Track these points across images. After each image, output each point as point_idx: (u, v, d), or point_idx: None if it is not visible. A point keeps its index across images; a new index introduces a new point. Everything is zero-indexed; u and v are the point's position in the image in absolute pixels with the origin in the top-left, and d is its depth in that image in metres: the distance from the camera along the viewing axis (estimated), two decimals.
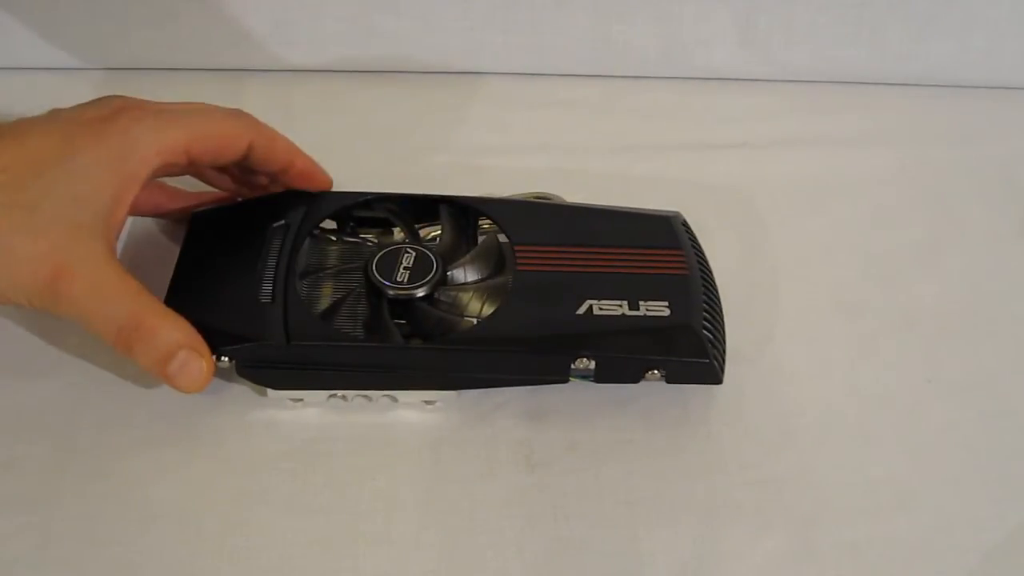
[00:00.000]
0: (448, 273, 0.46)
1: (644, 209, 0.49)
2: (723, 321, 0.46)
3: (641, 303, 0.44)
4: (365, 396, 0.45)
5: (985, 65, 0.61)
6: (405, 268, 0.45)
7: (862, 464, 0.45)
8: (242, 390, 0.45)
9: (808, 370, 0.48)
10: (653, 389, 0.46)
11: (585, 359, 0.43)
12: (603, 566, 0.41)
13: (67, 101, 0.58)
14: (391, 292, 0.44)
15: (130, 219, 0.52)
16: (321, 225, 0.48)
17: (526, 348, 0.44)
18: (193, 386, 0.42)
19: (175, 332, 0.42)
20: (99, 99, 0.44)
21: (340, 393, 0.45)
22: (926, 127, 0.60)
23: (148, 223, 0.52)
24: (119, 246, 0.51)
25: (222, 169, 0.48)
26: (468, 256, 0.47)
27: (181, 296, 0.44)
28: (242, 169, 0.48)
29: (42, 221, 0.40)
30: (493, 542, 0.42)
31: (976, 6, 0.59)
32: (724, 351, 0.45)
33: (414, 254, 0.46)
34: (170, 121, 0.43)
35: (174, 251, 0.47)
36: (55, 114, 0.43)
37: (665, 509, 0.43)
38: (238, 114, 0.46)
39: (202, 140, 0.44)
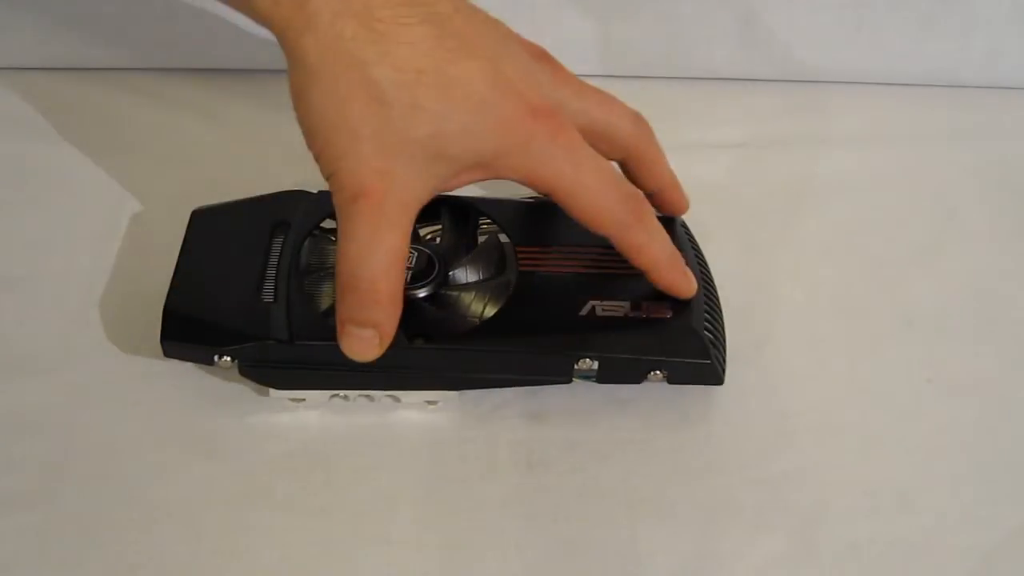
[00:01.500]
0: (450, 273, 0.46)
1: None
2: (723, 322, 0.46)
3: (643, 304, 0.45)
4: (367, 396, 0.45)
5: (985, 65, 0.61)
6: (408, 268, 0.45)
7: (862, 464, 0.45)
8: (244, 390, 0.45)
9: (808, 370, 0.48)
10: (653, 389, 0.46)
11: (588, 360, 0.43)
12: (603, 566, 0.41)
13: (67, 101, 0.59)
14: None
15: (129, 216, 0.52)
16: (322, 224, 0.48)
17: (529, 349, 0.44)
18: (350, 352, 0.41)
19: (383, 316, 0.40)
20: (541, 66, 0.43)
21: (342, 393, 0.45)
22: (926, 127, 0.60)
23: (148, 221, 0.52)
24: (120, 234, 0.51)
25: None
26: (469, 256, 0.47)
27: (182, 294, 0.44)
28: None
29: (399, 145, 0.39)
30: (493, 542, 0.42)
31: (976, 6, 0.59)
32: (725, 352, 0.45)
33: (415, 254, 0.46)
34: (562, 165, 0.41)
35: (174, 249, 0.47)
36: (501, 49, 0.41)
37: (665, 509, 0.43)
38: (628, 209, 0.43)
39: (570, 201, 0.42)
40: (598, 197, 0.42)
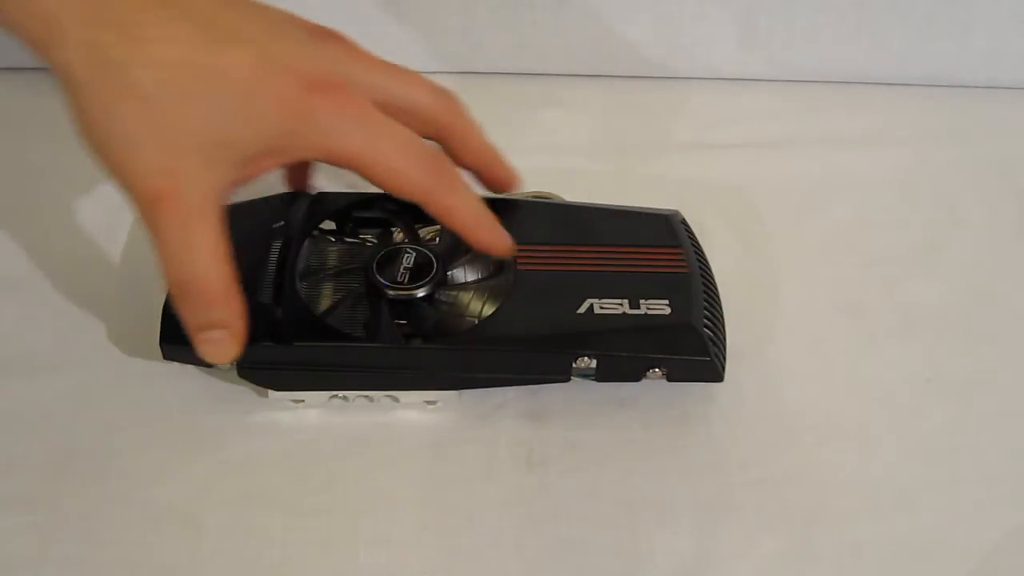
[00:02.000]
0: (448, 273, 0.46)
1: (643, 208, 0.50)
2: (723, 319, 0.46)
3: (642, 302, 0.44)
4: (366, 397, 0.45)
5: (985, 65, 0.61)
6: (405, 268, 0.45)
7: (862, 464, 0.45)
8: (243, 391, 0.45)
9: (808, 370, 0.48)
10: (653, 389, 0.46)
11: (587, 358, 0.43)
12: (603, 566, 0.41)
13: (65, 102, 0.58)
14: (391, 293, 0.45)
15: (127, 223, 0.52)
16: (320, 226, 0.48)
17: (528, 347, 0.44)
18: (211, 359, 0.41)
19: (226, 313, 0.40)
20: (325, 46, 0.42)
21: (341, 394, 0.45)
22: (926, 127, 0.60)
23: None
24: (120, 234, 0.51)
25: None
26: (468, 256, 0.47)
27: None
28: None
29: (180, 139, 0.38)
30: (493, 542, 0.42)
31: (976, 6, 0.59)
32: (725, 349, 0.45)
33: (414, 254, 0.46)
34: (357, 133, 0.40)
35: None
36: (273, 33, 0.40)
37: (665, 509, 0.43)
38: (432, 172, 0.42)
39: (374, 170, 0.41)
40: (397, 163, 0.41)
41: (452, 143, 0.45)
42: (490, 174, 0.47)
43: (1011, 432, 0.46)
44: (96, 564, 0.40)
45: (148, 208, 0.38)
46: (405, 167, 0.41)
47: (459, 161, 0.46)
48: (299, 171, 0.49)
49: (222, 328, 0.41)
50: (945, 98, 0.62)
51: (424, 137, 0.44)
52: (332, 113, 0.40)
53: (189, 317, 0.40)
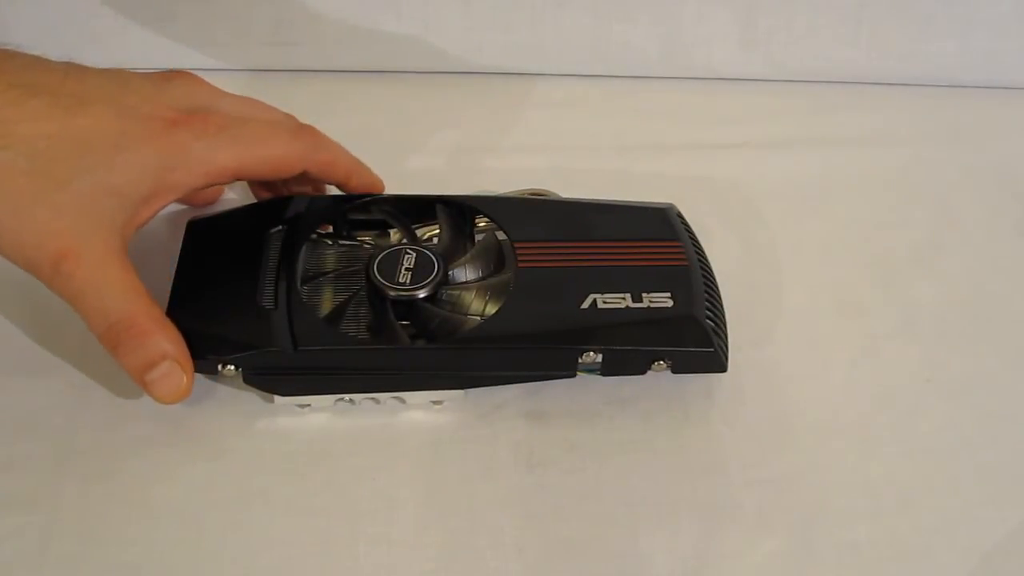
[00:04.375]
0: (449, 273, 0.46)
1: (639, 202, 0.50)
2: (723, 309, 0.46)
3: (644, 295, 0.45)
4: (372, 399, 0.45)
5: (985, 65, 0.61)
6: (406, 269, 0.45)
7: (862, 464, 0.45)
8: (248, 396, 0.45)
9: (808, 370, 0.48)
10: (653, 389, 0.46)
11: (591, 353, 0.44)
12: (603, 566, 0.41)
13: None
14: (393, 294, 0.44)
15: None
16: (319, 229, 0.48)
17: (533, 344, 0.44)
18: (168, 398, 0.42)
19: (164, 342, 0.41)
20: (171, 85, 0.44)
21: (347, 397, 0.45)
22: (926, 127, 0.60)
23: (147, 228, 0.52)
24: None
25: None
26: (468, 255, 0.47)
27: (183, 305, 0.44)
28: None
29: (67, 199, 0.40)
30: (493, 542, 0.42)
31: (976, 6, 0.59)
32: (727, 339, 0.45)
33: (414, 255, 0.46)
34: (228, 144, 0.43)
35: (173, 249, 0.47)
36: (120, 89, 0.43)
37: (665, 509, 0.43)
38: (300, 136, 0.46)
39: (255, 165, 0.44)
40: (274, 148, 0.44)
41: (320, 172, 0.47)
42: (360, 184, 0.49)
43: (1011, 432, 0.46)
44: (96, 564, 0.40)
45: (53, 271, 0.40)
46: (283, 148, 0.45)
47: (327, 180, 0.48)
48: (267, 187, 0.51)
49: (164, 360, 0.41)
50: (945, 98, 0.62)
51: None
52: (199, 138, 0.42)
53: (128, 362, 0.41)
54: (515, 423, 0.45)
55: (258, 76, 0.60)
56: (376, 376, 0.44)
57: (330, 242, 0.49)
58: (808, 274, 0.52)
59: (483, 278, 0.47)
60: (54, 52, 0.60)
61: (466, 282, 0.47)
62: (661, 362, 0.44)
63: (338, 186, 0.49)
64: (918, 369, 0.48)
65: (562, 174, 0.54)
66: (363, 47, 0.60)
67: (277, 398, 0.45)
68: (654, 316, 0.44)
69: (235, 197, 0.53)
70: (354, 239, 0.49)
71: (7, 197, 0.39)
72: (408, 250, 0.46)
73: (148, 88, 0.44)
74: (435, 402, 0.45)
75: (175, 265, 0.46)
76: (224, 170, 0.43)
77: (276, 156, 0.45)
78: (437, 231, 0.49)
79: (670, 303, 0.45)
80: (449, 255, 0.47)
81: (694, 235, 0.49)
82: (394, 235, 0.49)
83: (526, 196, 0.51)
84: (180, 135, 0.42)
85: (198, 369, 0.44)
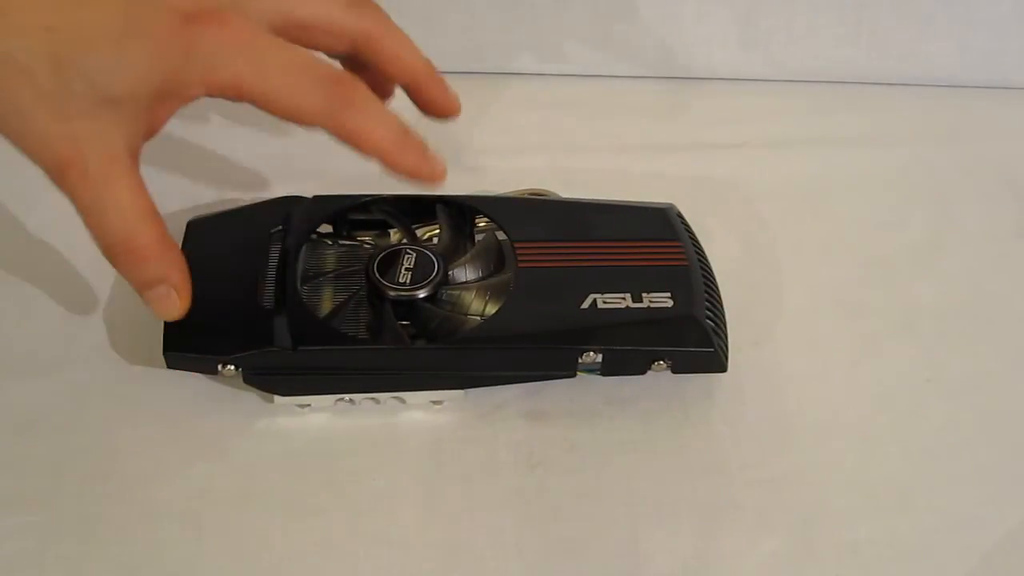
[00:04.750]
0: (449, 273, 0.46)
1: (638, 202, 0.50)
2: (723, 310, 0.46)
3: (644, 295, 0.45)
4: (372, 399, 0.45)
5: (985, 65, 0.61)
6: (406, 269, 0.45)
7: (862, 464, 0.45)
8: (248, 396, 0.45)
9: (808, 370, 0.48)
10: (653, 389, 0.46)
11: (592, 353, 0.44)
12: (603, 566, 0.41)
13: None
14: (393, 294, 0.45)
15: None
16: (318, 229, 0.48)
17: (533, 344, 0.44)
18: (163, 315, 0.41)
19: (161, 266, 0.39)
20: None
21: (347, 397, 0.45)
22: (926, 127, 0.60)
23: None
24: None
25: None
26: (468, 255, 0.47)
27: None
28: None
29: (71, 103, 0.36)
30: (493, 542, 0.42)
31: (976, 6, 0.59)
32: (727, 339, 0.45)
33: (414, 255, 0.46)
34: (238, 60, 0.37)
35: None
36: None
37: (665, 509, 0.43)
38: (330, 94, 0.39)
39: (261, 98, 0.38)
40: (292, 88, 0.38)
41: (375, 56, 0.42)
42: (424, 92, 0.43)
43: (1011, 432, 0.46)
44: (96, 564, 0.40)
45: (58, 177, 0.37)
46: (301, 93, 0.38)
47: (388, 76, 0.42)
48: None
49: (164, 282, 0.40)
50: (945, 98, 0.62)
51: (344, 55, 0.41)
52: (214, 43, 0.37)
53: (128, 276, 0.40)
54: (515, 423, 0.45)
55: None
56: (376, 376, 0.44)
57: (330, 242, 0.49)
58: (808, 274, 0.52)
59: (483, 278, 0.47)
60: None
61: (466, 282, 0.47)
62: (661, 362, 0.44)
63: (407, 92, 0.42)
64: (918, 369, 0.48)
65: (562, 174, 0.54)
66: None
67: (277, 398, 0.45)
68: (654, 316, 0.44)
69: (235, 197, 0.53)
70: (354, 239, 0.49)
71: (9, 94, 0.36)
72: (408, 250, 0.46)
73: None
74: (435, 402, 0.45)
75: None
76: (232, 87, 0.38)
77: (293, 101, 0.38)
78: (437, 231, 0.49)
79: (670, 303, 0.45)
80: (449, 255, 0.47)
81: (694, 235, 0.49)
82: (394, 235, 0.49)
83: (526, 196, 0.51)
84: (190, 33, 0.37)
85: (198, 369, 0.44)
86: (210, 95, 0.38)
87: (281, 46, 0.38)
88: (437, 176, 0.41)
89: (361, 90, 0.39)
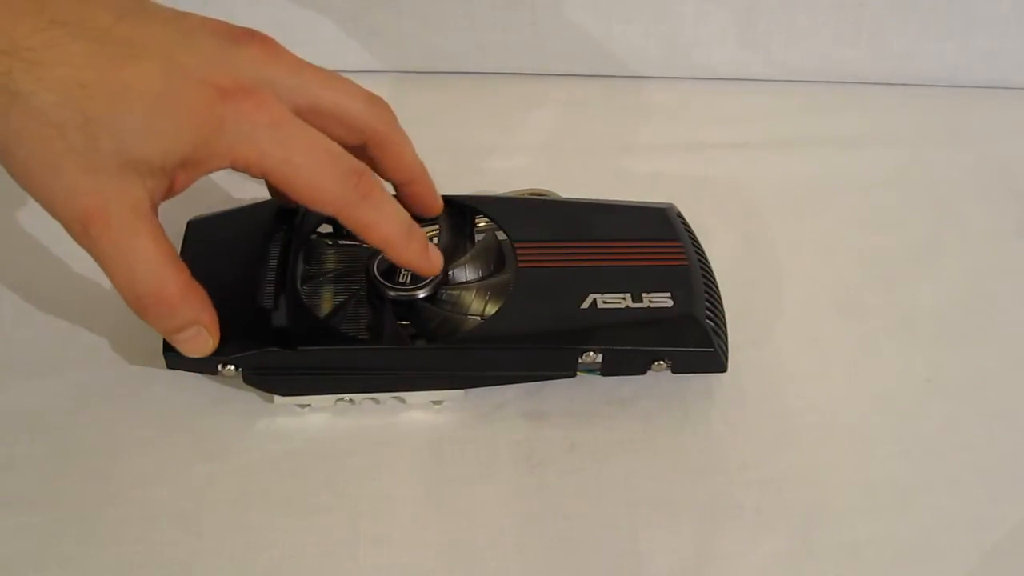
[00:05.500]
0: (449, 273, 0.46)
1: (638, 202, 0.50)
2: (723, 310, 0.46)
3: (644, 295, 0.45)
4: (372, 399, 0.45)
5: (985, 65, 0.61)
6: (406, 269, 0.45)
7: (862, 464, 0.45)
8: (248, 396, 0.45)
9: (808, 370, 0.48)
10: (653, 389, 0.46)
11: (592, 353, 0.44)
12: (603, 566, 0.41)
13: None
14: (393, 294, 0.45)
15: None
16: (318, 229, 0.48)
17: (533, 344, 0.44)
18: (194, 353, 0.42)
19: (190, 311, 0.40)
20: (239, 49, 0.39)
21: (347, 397, 0.45)
22: (926, 127, 0.60)
23: None
24: None
25: None
26: (468, 255, 0.47)
27: None
28: None
29: (99, 157, 0.37)
30: (493, 542, 0.42)
31: (976, 6, 0.59)
32: (727, 339, 0.45)
33: None
34: (266, 143, 0.38)
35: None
36: (180, 42, 0.38)
37: (665, 509, 0.43)
38: (353, 186, 0.40)
39: (283, 184, 0.39)
40: (312, 174, 0.39)
41: (380, 154, 0.44)
42: (414, 192, 0.45)
43: (1011, 432, 0.46)
44: (96, 564, 0.40)
45: (80, 231, 0.38)
46: (322, 181, 0.39)
47: (385, 174, 0.44)
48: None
49: (192, 327, 0.41)
50: (945, 98, 0.62)
51: (350, 147, 0.42)
52: (243, 121, 0.38)
53: (157, 327, 0.40)
54: (515, 423, 0.45)
55: None
56: (376, 376, 0.44)
57: (330, 242, 0.49)
58: (808, 274, 0.52)
59: (483, 278, 0.47)
60: None
61: (466, 282, 0.47)
62: (661, 362, 0.44)
63: (395, 186, 0.45)
64: (918, 369, 0.48)
65: (562, 174, 0.54)
66: (363, 47, 0.60)
67: (277, 398, 0.45)
68: (654, 316, 0.44)
69: (235, 197, 0.53)
70: (354, 239, 0.49)
71: (38, 146, 0.36)
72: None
73: (211, 48, 0.39)
74: (435, 402, 0.45)
75: None
76: (255, 166, 0.39)
77: (313, 187, 0.39)
78: (437, 231, 0.49)
79: (670, 303, 0.45)
80: (449, 255, 0.47)
81: (694, 235, 0.49)
82: None
83: (526, 196, 0.51)
84: (224, 108, 0.38)
85: (198, 369, 0.44)
86: (233, 168, 0.39)
87: (307, 131, 0.39)
88: (434, 270, 0.44)
89: (378, 185, 0.41)
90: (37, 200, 0.38)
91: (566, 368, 0.44)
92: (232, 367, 0.43)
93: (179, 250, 0.47)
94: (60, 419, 0.44)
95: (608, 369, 0.44)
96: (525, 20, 0.60)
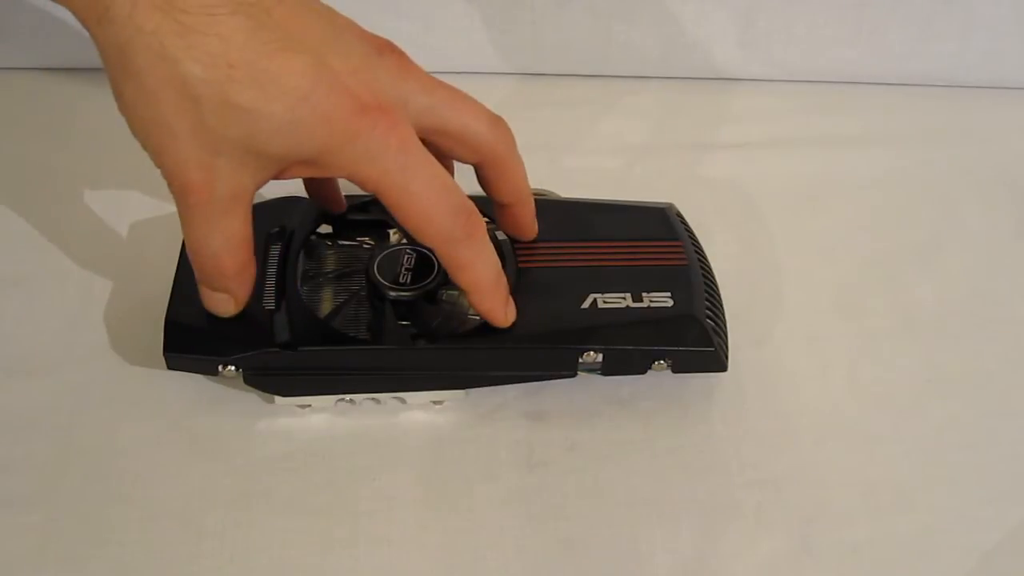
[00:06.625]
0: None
1: (638, 202, 0.50)
2: (723, 309, 0.46)
3: (644, 295, 0.45)
4: (373, 399, 0.45)
5: (985, 65, 0.61)
6: (407, 269, 0.45)
7: (862, 464, 0.45)
8: (248, 396, 0.45)
9: (808, 370, 0.48)
10: (653, 389, 0.46)
11: (592, 352, 0.44)
12: (603, 566, 0.41)
13: (67, 101, 0.58)
14: (393, 294, 0.45)
15: (128, 223, 0.52)
16: (317, 230, 0.48)
17: (534, 344, 0.44)
18: (208, 307, 0.43)
19: (231, 284, 0.42)
20: (383, 60, 0.40)
21: (348, 397, 0.45)
22: (926, 127, 0.60)
23: (149, 221, 0.52)
24: (121, 234, 0.52)
25: None
26: None
27: (184, 306, 0.44)
28: None
29: (226, 142, 0.37)
30: (493, 542, 0.42)
31: (976, 6, 0.59)
32: (727, 338, 0.45)
33: (414, 255, 0.46)
34: (385, 166, 0.38)
35: (174, 248, 0.47)
36: (330, 42, 0.38)
37: (665, 509, 0.43)
38: (463, 221, 0.40)
39: (393, 206, 0.40)
40: (426, 205, 0.39)
41: (495, 175, 0.44)
42: (516, 213, 0.46)
43: (1011, 431, 0.46)
44: (96, 564, 0.40)
45: (180, 196, 0.39)
46: (434, 213, 0.40)
47: (493, 192, 0.45)
48: (325, 185, 0.48)
49: (227, 293, 0.42)
50: (945, 98, 0.62)
51: (467, 162, 0.43)
52: (374, 139, 0.38)
53: (202, 278, 0.42)
54: (515, 423, 0.45)
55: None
56: (376, 376, 0.44)
57: (330, 242, 0.49)
58: (808, 274, 0.52)
59: None
60: (56, 52, 0.60)
61: None
62: (661, 361, 0.44)
63: (496, 207, 0.45)
64: (918, 369, 0.48)
65: (562, 174, 0.54)
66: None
67: (278, 398, 0.45)
68: (654, 316, 0.44)
69: None
70: (354, 239, 0.49)
71: (167, 111, 0.36)
72: (408, 250, 0.46)
73: (358, 55, 0.39)
74: (435, 402, 0.45)
75: (175, 265, 0.46)
76: (374, 184, 0.39)
77: (424, 218, 0.40)
78: None
79: (670, 302, 0.45)
80: None
81: (693, 234, 0.49)
82: (393, 235, 0.49)
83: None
84: (359, 125, 0.38)
85: (199, 370, 0.44)
86: (345, 178, 0.40)
87: (430, 162, 0.40)
88: (506, 324, 0.43)
89: (483, 228, 0.41)
90: (145, 150, 0.38)
91: (567, 368, 0.44)
92: (232, 368, 0.43)
93: (181, 251, 0.47)
94: (60, 419, 0.44)
95: (609, 369, 0.44)
96: (525, 20, 0.60)
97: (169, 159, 0.38)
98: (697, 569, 0.41)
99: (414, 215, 0.40)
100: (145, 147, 0.38)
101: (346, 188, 0.49)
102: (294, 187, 0.49)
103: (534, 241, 0.47)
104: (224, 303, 0.42)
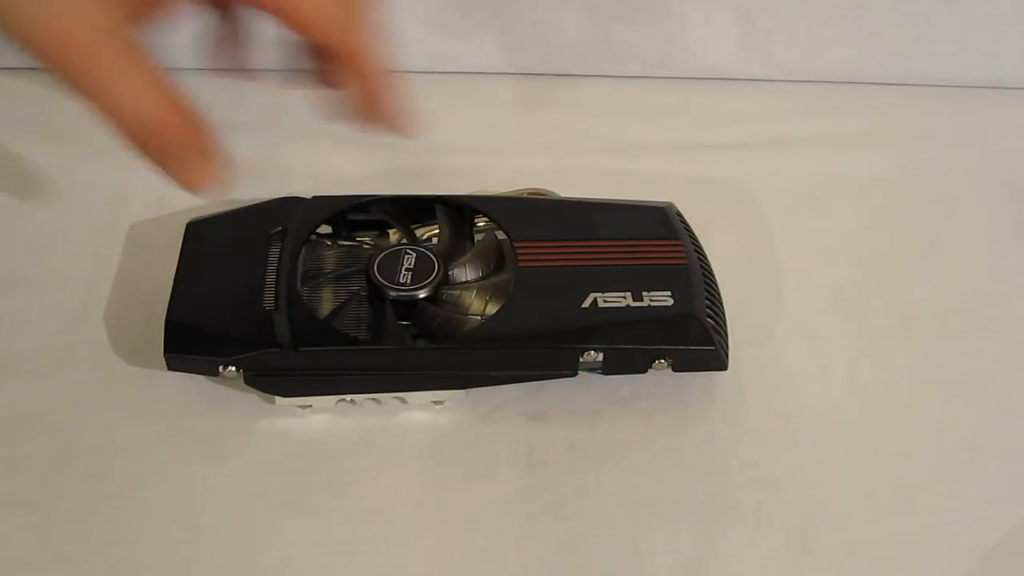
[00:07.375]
0: (449, 273, 0.46)
1: (638, 201, 0.50)
2: (723, 308, 0.46)
3: (644, 294, 0.45)
4: (374, 399, 0.45)
5: (985, 65, 0.61)
6: (407, 269, 0.45)
7: (862, 464, 0.45)
8: (248, 397, 0.45)
9: (808, 370, 0.48)
10: (653, 389, 0.46)
11: (593, 352, 0.44)
12: (603, 566, 0.41)
13: (67, 101, 0.58)
14: (394, 294, 0.45)
15: (128, 225, 0.52)
16: (318, 230, 0.48)
17: (535, 344, 0.44)
18: (194, 184, 0.38)
19: (193, 140, 0.37)
20: None
21: (348, 397, 0.45)
22: (926, 127, 0.60)
23: (149, 221, 0.52)
24: (121, 234, 0.51)
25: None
26: (468, 255, 0.47)
27: (183, 307, 0.44)
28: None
29: None
30: (493, 542, 0.42)
31: (976, 6, 0.59)
32: (727, 337, 0.45)
33: (415, 255, 0.46)
34: None
35: (174, 248, 0.47)
36: None
37: (665, 509, 0.43)
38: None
39: None
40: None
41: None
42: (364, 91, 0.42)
43: (1011, 432, 0.46)
44: (96, 564, 0.40)
45: (57, 56, 0.35)
46: (323, 2, 0.38)
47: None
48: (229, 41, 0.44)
49: (194, 156, 0.37)
50: (945, 98, 0.62)
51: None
52: None
53: (155, 158, 0.37)
54: (515, 423, 0.45)
55: (259, 78, 0.60)
56: (377, 376, 0.44)
57: (330, 243, 0.49)
58: (808, 274, 0.52)
59: (483, 278, 0.47)
60: None
61: (466, 282, 0.47)
62: (662, 360, 0.44)
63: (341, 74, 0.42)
64: (918, 369, 0.48)
65: (562, 174, 0.54)
66: None
67: (278, 399, 0.45)
68: (654, 315, 0.44)
69: (235, 197, 0.53)
70: (354, 239, 0.49)
71: None
72: (408, 250, 0.46)
73: None
74: (436, 402, 0.45)
75: (175, 266, 0.46)
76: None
77: (309, 13, 0.38)
78: (437, 231, 0.49)
79: (670, 302, 0.45)
80: (449, 255, 0.47)
81: (693, 234, 0.49)
82: (393, 235, 0.49)
83: (526, 196, 0.51)
84: None
85: (199, 371, 0.44)
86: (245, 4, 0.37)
87: None
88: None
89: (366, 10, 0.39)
90: (5, 34, 0.35)
91: (567, 367, 0.44)
92: (233, 368, 0.43)
93: (180, 251, 0.47)
94: (60, 419, 0.44)
95: (609, 368, 0.44)
96: (525, 20, 0.60)
97: (24, 21, 0.34)
98: (697, 569, 0.41)
99: (307, 13, 0.38)
100: (16, 33, 0.34)
101: (346, 188, 0.49)
102: (294, 187, 0.49)
103: (534, 240, 0.47)
104: (200, 172, 0.37)
